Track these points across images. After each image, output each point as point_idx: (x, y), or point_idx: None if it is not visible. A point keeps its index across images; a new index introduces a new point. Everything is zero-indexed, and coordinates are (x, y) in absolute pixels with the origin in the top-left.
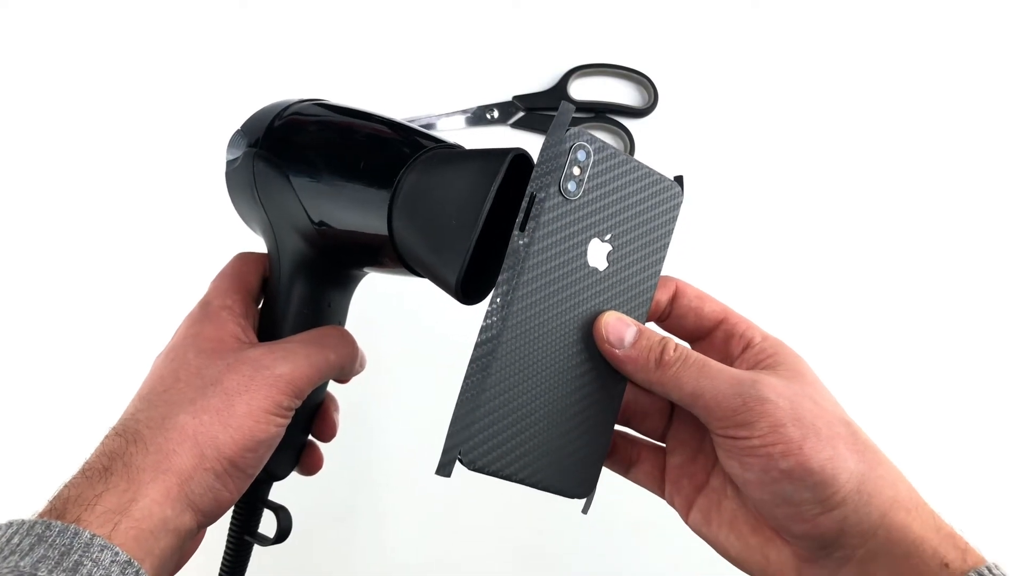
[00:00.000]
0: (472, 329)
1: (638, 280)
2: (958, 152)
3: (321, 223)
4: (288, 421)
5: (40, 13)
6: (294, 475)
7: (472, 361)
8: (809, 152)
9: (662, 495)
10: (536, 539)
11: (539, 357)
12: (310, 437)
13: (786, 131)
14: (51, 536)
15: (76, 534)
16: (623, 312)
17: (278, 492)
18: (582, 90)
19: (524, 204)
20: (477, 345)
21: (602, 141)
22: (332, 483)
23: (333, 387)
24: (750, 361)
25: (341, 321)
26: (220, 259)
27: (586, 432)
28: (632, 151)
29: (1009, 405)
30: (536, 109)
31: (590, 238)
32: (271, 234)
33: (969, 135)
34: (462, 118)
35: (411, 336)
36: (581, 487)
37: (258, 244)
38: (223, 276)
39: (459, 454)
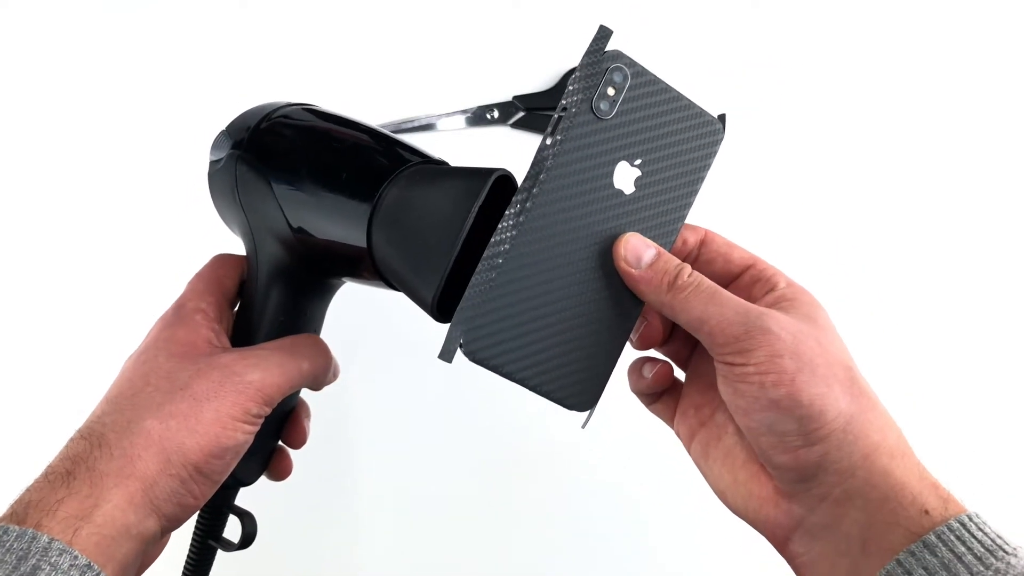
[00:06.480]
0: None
1: (666, 210)
2: (960, 154)
3: (300, 230)
4: (257, 428)
5: (24, 14)
6: (263, 480)
7: (484, 259)
8: (808, 152)
9: (671, 425)
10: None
11: (553, 265)
12: (280, 443)
13: (785, 129)
14: (8, 541)
15: (34, 538)
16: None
17: (245, 497)
18: None
19: (554, 116)
20: (490, 245)
21: (643, 67)
22: (301, 489)
23: (306, 393)
24: (769, 302)
25: (317, 329)
26: (199, 259)
27: (593, 347)
28: None
29: None
30: (536, 109)
31: (618, 160)
32: (250, 238)
33: (963, 143)
34: (462, 118)
35: (387, 344)
36: (581, 400)
37: (238, 245)
38: (199, 278)
39: (461, 343)
